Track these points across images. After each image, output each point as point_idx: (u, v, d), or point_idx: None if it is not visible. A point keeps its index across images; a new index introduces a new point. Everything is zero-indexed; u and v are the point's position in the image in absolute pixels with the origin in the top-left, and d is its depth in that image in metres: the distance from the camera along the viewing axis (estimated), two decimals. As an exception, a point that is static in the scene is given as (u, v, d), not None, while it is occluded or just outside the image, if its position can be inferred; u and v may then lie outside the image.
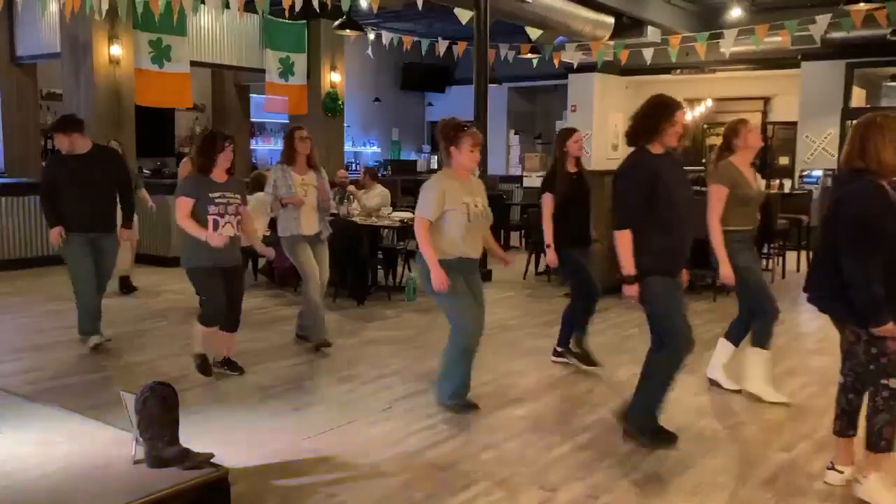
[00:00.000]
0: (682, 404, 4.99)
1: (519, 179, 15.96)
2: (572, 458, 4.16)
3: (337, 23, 10.60)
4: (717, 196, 4.93)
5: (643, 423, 4.29)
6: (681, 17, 13.74)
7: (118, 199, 6.41)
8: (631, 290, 4.15)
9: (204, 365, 5.52)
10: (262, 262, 9.43)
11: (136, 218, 6.89)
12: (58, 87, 11.91)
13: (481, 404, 4.95)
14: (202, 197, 5.26)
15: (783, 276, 9.92)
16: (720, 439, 4.44)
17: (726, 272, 4.91)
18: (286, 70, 13.02)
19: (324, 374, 5.64)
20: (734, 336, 5.30)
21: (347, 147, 15.73)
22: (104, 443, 3.61)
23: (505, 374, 5.58)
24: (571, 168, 5.78)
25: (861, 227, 3.42)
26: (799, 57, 13.97)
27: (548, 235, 5.69)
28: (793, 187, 13.59)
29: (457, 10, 10.36)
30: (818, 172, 13.96)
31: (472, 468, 4.00)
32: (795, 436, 4.50)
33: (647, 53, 11.51)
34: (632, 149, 4.26)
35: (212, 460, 3.38)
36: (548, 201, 5.69)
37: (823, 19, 9.02)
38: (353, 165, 16.59)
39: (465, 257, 4.77)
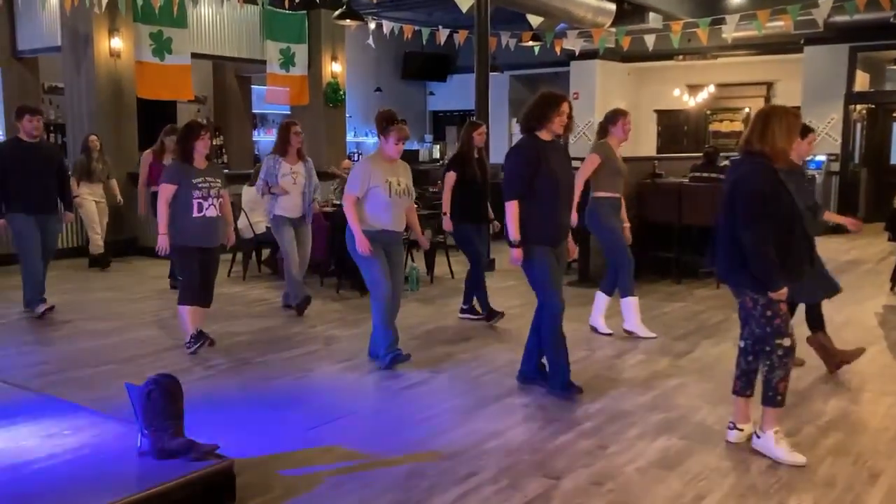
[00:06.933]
0: (687, 390, 5.01)
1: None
2: (577, 445, 4.17)
3: (337, 13, 10.57)
4: (590, 161, 6.15)
5: (560, 379, 4.88)
6: (682, 2, 13.68)
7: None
8: (516, 254, 4.75)
9: (199, 339, 5.79)
10: (265, 254, 9.44)
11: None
12: (59, 80, 11.90)
13: (485, 394, 4.97)
14: (184, 183, 5.62)
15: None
16: (720, 430, 4.45)
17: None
18: (287, 61, 13.00)
19: (327, 363, 5.66)
20: (606, 288, 6.40)
21: (349, 137, 15.71)
22: (110, 435, 3.64)
23: (507, 363, 5.58)
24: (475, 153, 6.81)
25: (757, 202, 3.81)
26: (802, 41, 13.92)
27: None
28: (796, 172, 13.53)
29: (457, -1, 10.31)
30: (822, 157, 13.91)
31: (477, 456, 4.01)
32: (798, 421, 4.50)
33: (649, 40, 11.47)
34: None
35: (217, 451, 3.40)
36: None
37: (826, 3, 8.95)
38: (356, 156, 16.58)
39: (386, 229, 5.41)
